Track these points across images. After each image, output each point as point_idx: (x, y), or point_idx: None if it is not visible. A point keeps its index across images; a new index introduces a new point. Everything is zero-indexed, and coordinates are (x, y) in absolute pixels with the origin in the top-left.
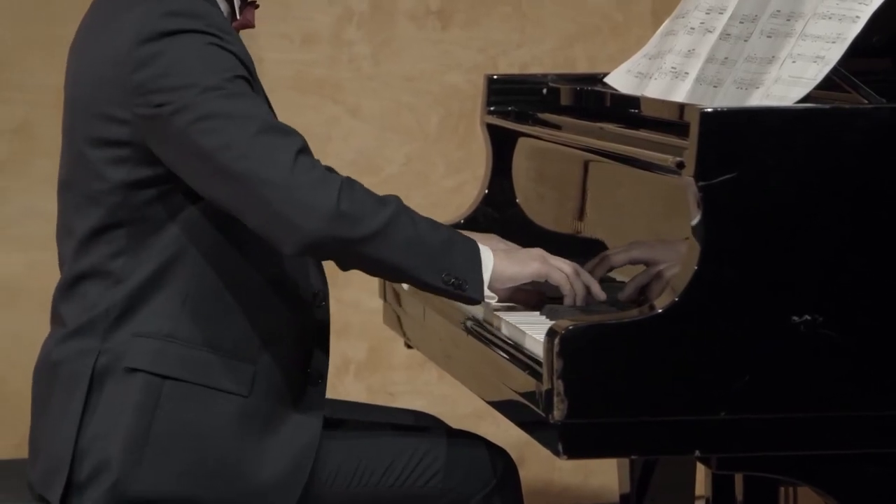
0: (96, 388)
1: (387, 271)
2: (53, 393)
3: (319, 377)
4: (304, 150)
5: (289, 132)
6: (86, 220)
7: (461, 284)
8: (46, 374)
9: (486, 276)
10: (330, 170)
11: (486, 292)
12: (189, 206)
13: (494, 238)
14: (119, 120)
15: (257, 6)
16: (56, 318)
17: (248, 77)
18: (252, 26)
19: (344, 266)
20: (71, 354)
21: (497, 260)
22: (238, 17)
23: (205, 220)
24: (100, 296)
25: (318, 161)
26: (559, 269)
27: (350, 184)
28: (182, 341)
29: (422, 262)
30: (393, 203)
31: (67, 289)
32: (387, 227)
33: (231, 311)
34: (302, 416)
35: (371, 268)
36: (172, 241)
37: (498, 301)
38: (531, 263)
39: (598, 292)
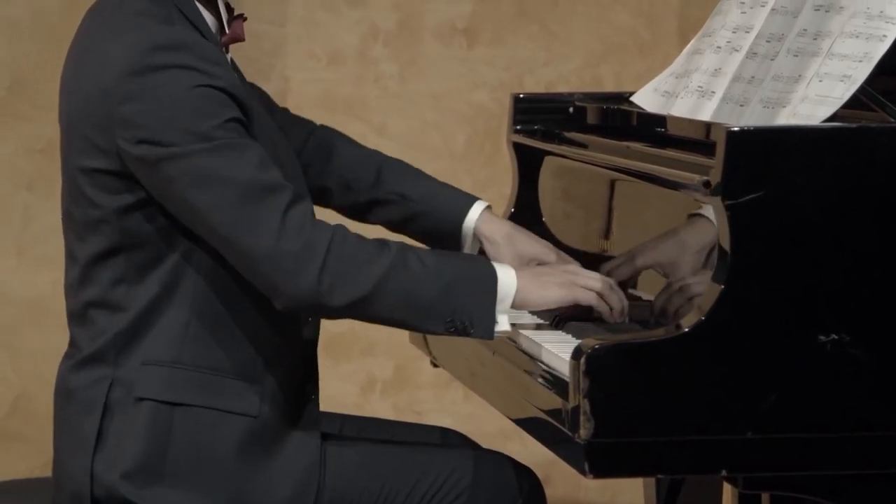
0: (108, 417)
1: (383, 324)
2: (70, 419)
3: (312, 393)
4: (291, 204)
5: (274, 189)
6: (86, 247)
7: (466, 328)
8: (63, 399)
9: (506, 305)
10: (322, 230)
11: (501, 327)
12: (181, 230)
13: (543, 248)
14: (103, 150)
15: (245, 19)
16: (71, 340)
17: (239, 116)
18: (242, 39)
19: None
20: (84, 382)
21: (521, 284)
22: (227, 31)
23: (201, 243)
24: (106, 323)
25: (307, 212)
26: (588, 290)
27: (341, 243)
28: (189, 366)
29: (418, 314)
30: (388, 256)
31: (76, 315)
32: (375, 289)
33: (234, 333)
34: (302, 434)
35: (371, 322)
36: (172, 266)
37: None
38: (556, 290)
39: (624, 314)
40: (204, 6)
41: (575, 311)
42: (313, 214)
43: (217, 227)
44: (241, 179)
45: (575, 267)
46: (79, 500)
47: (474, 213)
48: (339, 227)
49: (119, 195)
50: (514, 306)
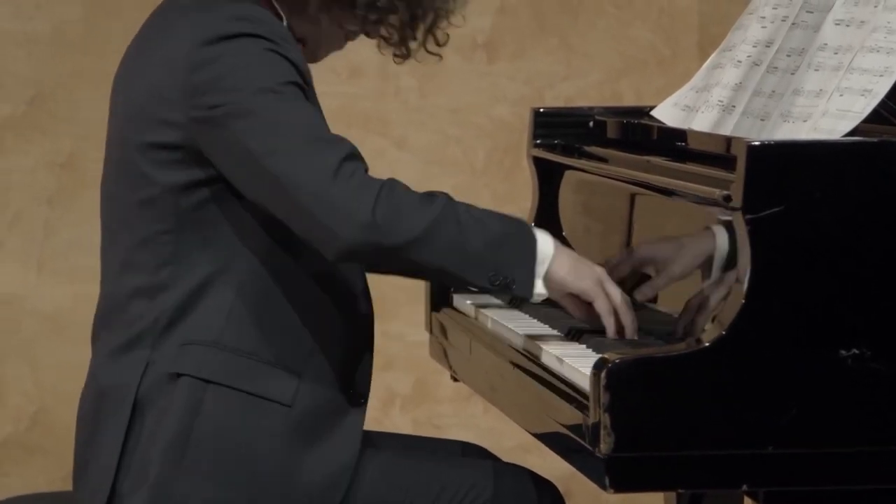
0: (143, 398)
1: (429, 275)
2: (101, 408)
3: (362, 397)
4: (349, 157)
5: (334, 141)
6: (134, 230)
7: (508, 284)
8: (95, 393)
9: (542, 269)
10: (372, 177)
11: (538, 290)
12: (238, 212)
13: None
14: (172, 123)
15: (304, 43)
16: (100, 338)
17: (303, 84)
18: (305, 44)
19: (388, 271)
20: (119, 370)
21: (556, 256)
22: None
23: (254, 229)
24: (147, 306)
25: (361, 168)
26: (607, 298)
27: (391, 188)
28: (228, 349)
29: (465, 265)
30: (439, 204)
31: (114, 301)
32: (427, 232)
33: (277, 322)
34: (343, 434)
35: (413, 272)
36: (221, 249)
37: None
38: (585, 280)
39: (632, 334)
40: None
41: (587, 317)
42: (366, 170)
43: (272, 169)
44: (305, 125)
45: (604, 273)
46: (100, 488)
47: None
48: (391, 178)
49: (178, 171)
50: (546, 275)
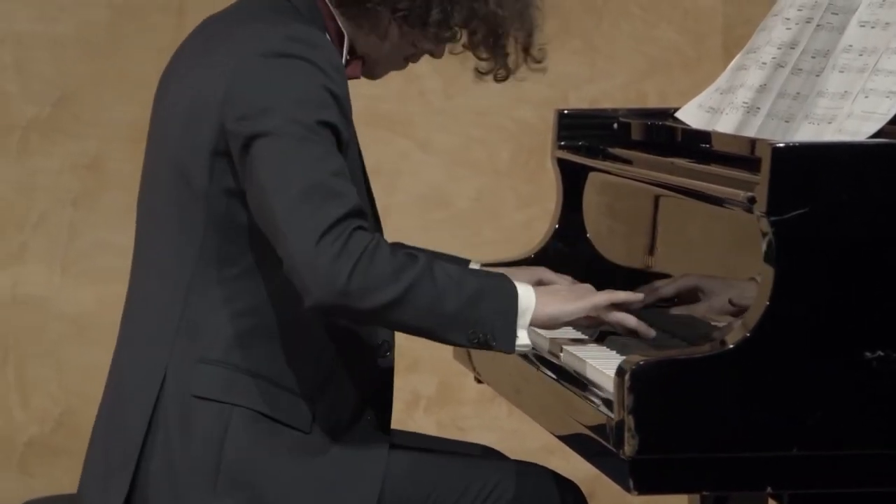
0: (161, 412)
1: (409, 333)
2: (118, 413)
3: (381, 427)
4: (344, 218)
5: (336, 196)
6: (164, 230)
7: (488, 340)
8: (113, 396)
9: (526, 320)
10: (360, 238)
11: (521, 341)
12: (260, 232)
13: (539, 270)
14: (206, 124)
15: (364, 61)
16: (122, 334)
17: (338, 124)
18: (358, 77)
19: (367, 326)
20: (138, 371)
21: (539, 299)
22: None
23: (274, 253)
24: (169, 309)
25: (349, 230)
26: (612, 311)
27: (371, 257)
28: (248, 373)
29: (441, 326)
30: (415, 270)
31: (137, 302)
32: (403, 296)
33: (295, 349)
34: (363, 465)
35: (393, 329)
36: (245, 267)
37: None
38: (572, 303)
39: (646, 331)
40: (332, 38)
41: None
42: (360, 227)
43: (274, 213)
44: (313, 176)
45: (584, 284)
46: (115, 496)
47: (473, 267)
48: (376, 237)
49: (214, 176)
50: (533, 321)
